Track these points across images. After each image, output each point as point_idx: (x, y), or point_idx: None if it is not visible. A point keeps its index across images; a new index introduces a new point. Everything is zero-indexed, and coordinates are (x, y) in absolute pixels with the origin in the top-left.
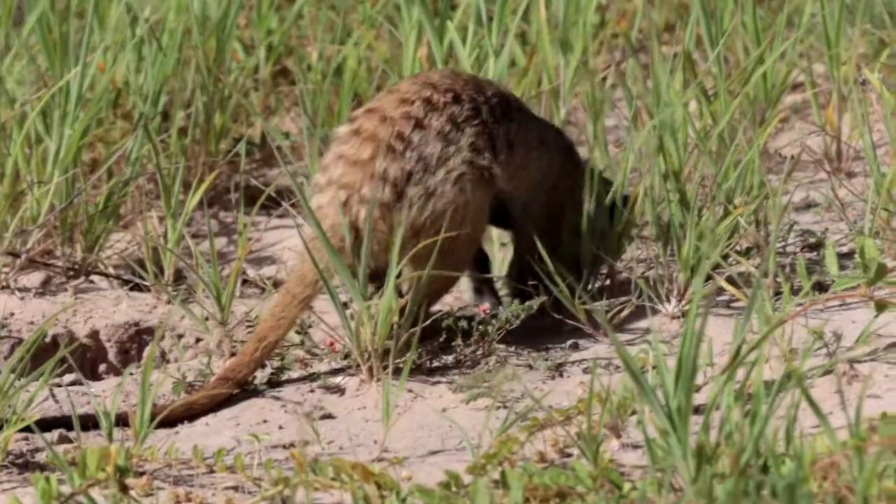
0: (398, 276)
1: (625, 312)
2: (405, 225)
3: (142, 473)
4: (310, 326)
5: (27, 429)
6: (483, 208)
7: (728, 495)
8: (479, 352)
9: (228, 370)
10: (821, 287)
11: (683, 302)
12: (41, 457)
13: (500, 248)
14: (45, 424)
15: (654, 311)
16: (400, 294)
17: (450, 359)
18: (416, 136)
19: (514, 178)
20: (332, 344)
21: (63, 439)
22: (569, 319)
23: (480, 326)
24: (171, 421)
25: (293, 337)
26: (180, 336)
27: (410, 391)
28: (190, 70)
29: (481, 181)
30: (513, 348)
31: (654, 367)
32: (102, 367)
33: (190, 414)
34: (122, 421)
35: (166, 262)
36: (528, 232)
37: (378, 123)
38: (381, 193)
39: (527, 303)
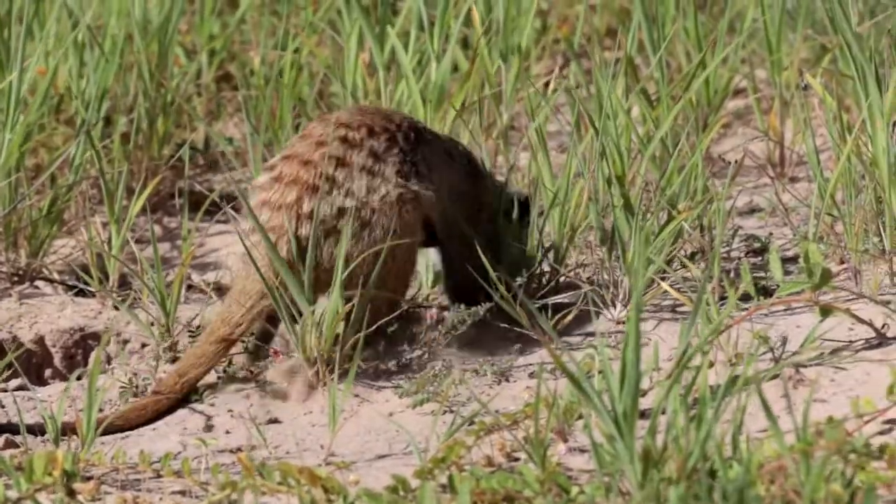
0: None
1: (569, 318)
2: (342, 257)
3: (89, 478)
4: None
5: None
6: (416, 229)
7: (679, 499)
8: (426, 357)
9: (147, 399)
10: (765, 292)
11: (629, 307)
12: None
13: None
14: None
15: (600, 317)
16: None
17: (395, 363)
18: (341, 175)
19: (437, 196)
20: (275, 353)
21: (9, 444)
22: (515, 325)
23: (433, 330)
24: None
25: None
26: (126, 341)
27: (357, 396)
28: (132, 75)
29: (412, 203)
30: (459, 353)
31: (599, 373)
32: (48, 373)
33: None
34: (67, 429)
35: (111, 268)
36: (456, 246)
37: (299, 167)
38: (312, 232)
39: (473, 308)
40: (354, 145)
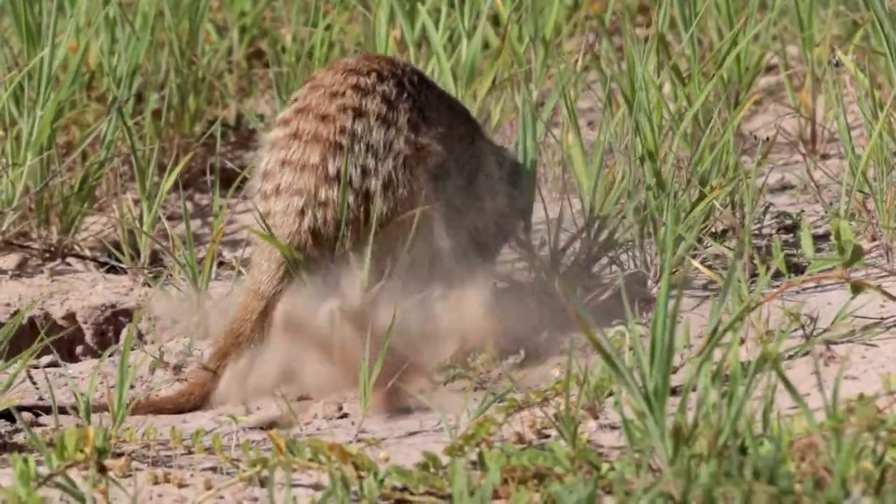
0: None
1: (604, 296)
2: (374, 219)
3: (120, 454)
4: None
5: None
6: (425, 186)
7: (711, 477)
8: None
9: (192, 384)
10: (797, 269)
11: (660, 284)
12: (19, 438)
13: None
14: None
15: (631, 294)
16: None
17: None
18: (359, 126)
19: (443, 141)
20: None
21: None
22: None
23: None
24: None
25: None
26: (157, 318)
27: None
28: (163, 52)
29: (420, 157)
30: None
31: (630, 349)
32: (79, 349)
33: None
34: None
35: (142, 245)
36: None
37: (316, 122)
38: (340, 194)
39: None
40: (367, 93)
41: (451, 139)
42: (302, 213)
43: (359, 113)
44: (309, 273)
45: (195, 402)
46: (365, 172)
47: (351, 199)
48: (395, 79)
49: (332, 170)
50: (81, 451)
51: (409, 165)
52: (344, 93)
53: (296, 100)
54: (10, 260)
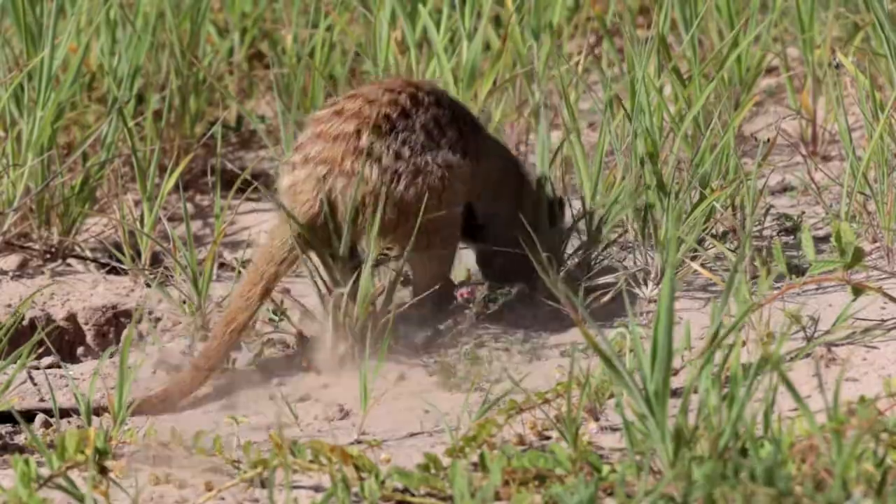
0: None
1: (606, 298)
2: (392, 201)
3: (121, 455)
4: (284, 310)
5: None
6: (460, 198)
7: (706, 478)
8: (458, 335)
9: (200, 357)
10: (797, 271)
11: (660, 286)
12: (20, 439)
13: None
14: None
15: (632, 296)
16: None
17: (427, 340)
18: (402, 123)
19: (480, 185)
20: (299, 334)
21: (42, 422)
22: (549, 302)
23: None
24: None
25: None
26: (157, 319)
27: (389, 373)
28: (164, 53)
29: (457, 174)
30: (491, 331)
31: (631, 351)
32: (80, 350)
33: (167, 404)
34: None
35: (143, 246)
36: (492, 235)
37: (363, 104)
38: (366, 168)
39: (506, 288)
40: (420, 105)
41: (490, 180)
42: (323, 180)
43: (406, 114)
44: (322, 244)
45: (203, 377)
46: (398, 156)
47: (376, 174)
48: (450, 109)
49: (363, 142)
50: (82, 452)
51: (444, 170)
52: (400, 92)
53: None
54: (11, 261)
